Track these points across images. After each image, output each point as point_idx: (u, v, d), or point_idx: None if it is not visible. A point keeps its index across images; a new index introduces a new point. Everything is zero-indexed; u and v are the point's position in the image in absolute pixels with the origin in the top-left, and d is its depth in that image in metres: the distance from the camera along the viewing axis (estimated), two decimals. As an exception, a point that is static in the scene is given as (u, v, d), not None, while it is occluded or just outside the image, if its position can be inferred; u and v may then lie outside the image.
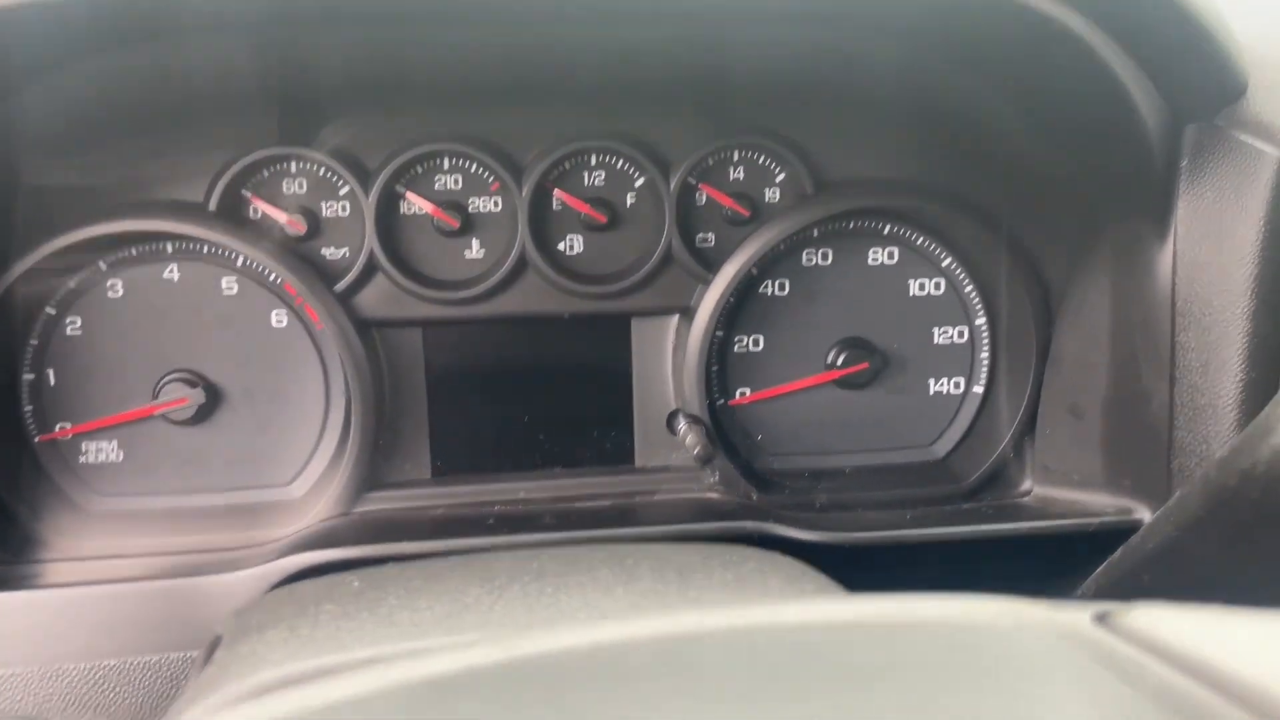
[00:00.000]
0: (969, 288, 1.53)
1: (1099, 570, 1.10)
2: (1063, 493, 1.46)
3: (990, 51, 1.30)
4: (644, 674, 0.55)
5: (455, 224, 1.40)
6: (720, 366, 1.52)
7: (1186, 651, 0.55)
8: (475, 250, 1.43)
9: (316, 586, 0.90)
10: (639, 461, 1.52)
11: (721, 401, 1.52)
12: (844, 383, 1.52)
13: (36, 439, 1.40)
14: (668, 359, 1.50)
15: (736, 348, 1.52)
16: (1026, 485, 1.53)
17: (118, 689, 1.19)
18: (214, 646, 0.89)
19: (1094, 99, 1.22)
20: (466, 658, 0.57)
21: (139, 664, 1.20)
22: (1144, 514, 1.32)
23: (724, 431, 1.52)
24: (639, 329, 1.49)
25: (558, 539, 1.27)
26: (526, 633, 0.59)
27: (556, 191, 1.42)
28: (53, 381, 1.39)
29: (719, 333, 1.48)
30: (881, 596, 0.63)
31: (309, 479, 1.46)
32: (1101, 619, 0.61)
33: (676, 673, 0.55)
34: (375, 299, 1.41)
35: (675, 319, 1.49)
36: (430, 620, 0.80)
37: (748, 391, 1.53)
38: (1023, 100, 1.35)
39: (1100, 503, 1.38)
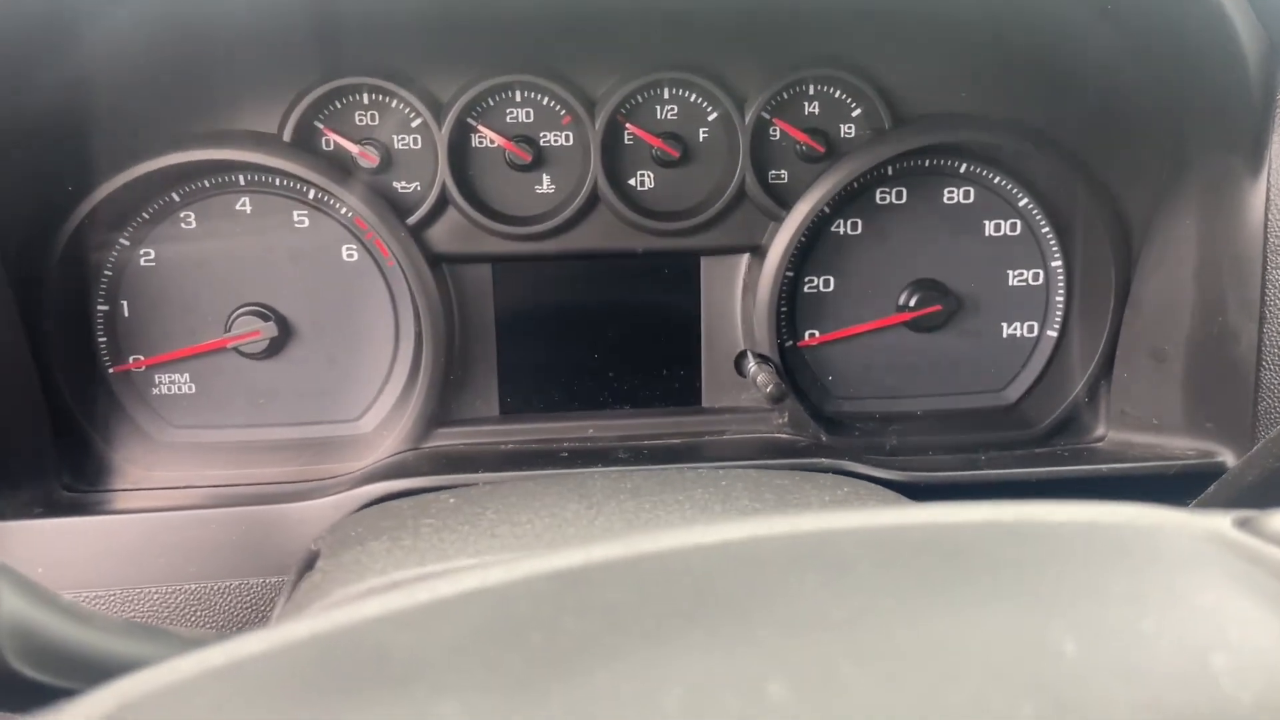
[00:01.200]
0: (1046, 229, 1.49)
1: (1193, 504, 1.08)
2: (1140, 437, 1.43)
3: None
4: (782, 566, 0.54)
5: (527, 158, 1.38)
6: (790, 307, 1.50)
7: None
8: (546, 185, 1.42)
9: (411, 503, 0.90)
10: (706, 402, 1.51)
11: (790, 343, 1.51)
12: (915, 325, 1.50)
13: (111, 370, 1.40)
14: (737, 299, 1.49)
15: (806, 288, 1.50)
16: (1100, 431, 1.50)
17: (198, 613, 1.20)
18: (311, 559, 0.89)
19: (1191, 24, 1.18)
20: (591, 553, 0.56)
21: (218, 588, 1.21)
22: (1227, 457, 1.30)
23: (792, 373, 1.50)
24: (708, 268, 1.48)
25: (633, 472, 1.26)
26: (651, 533, 0.59)
27: (629, 125, 1.40)
28: (126, 313, 1.40)
29: (789, 273, 1.46)
30: (1011, 502, 0.62)
31: (378, 414, 1.46)
32: (1244, 523, 0.59)
33: (815, 567, 0.54)
34: (446, 234, 1.40)
35: (745, 258, 1.47)
36: (531, 534, 0.80)
37: (817, 333, 1.51)
38: (1113, 26, 1.31)
39: (1180, 446, 1.36)
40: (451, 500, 0.89)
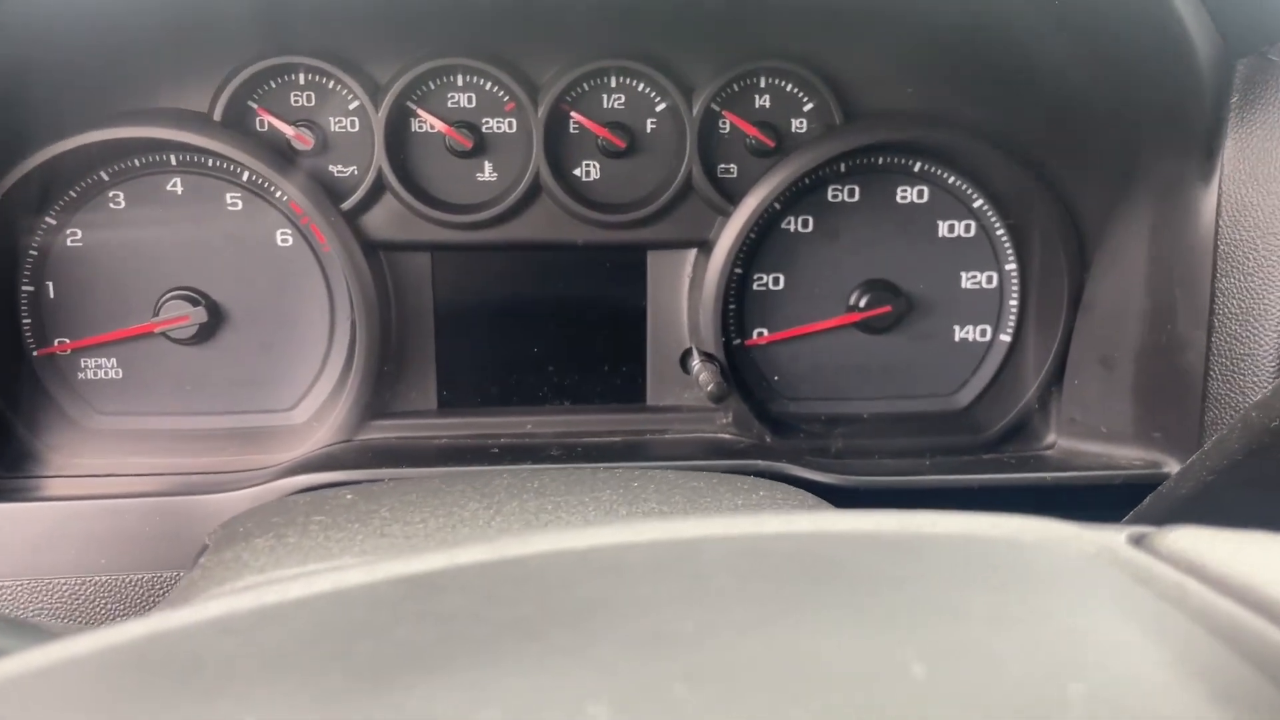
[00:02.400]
0: (1000, 231, 1.47)
1: (1127, 517, 1.05)
2: (1088, 445, 1.40)
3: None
4: (639, 576, 0.51)
5: (468, 144, 1.35)
6: (738, 305, 1.46)
7: (1227, 574, 0.50)
8: (488, 173, 1.38)
9: (309, 499, 0.87)
10: (650, 400, 1.48)
11: (738, 341, 1.47)
12: (866, 326, 1.47)
13: (35, 353, 1.36)
14: (683, 295, 1.45)
15: (755, 286, 1.46)
16: (1050, 439, 1.48)
17: (107, 605, 1.17)
18: (199, 555, 0.86)
19: (1146, 28, 1.15)
20: (433, 559, 0.53)
21: (130, 581, 1.17)
22: (1173, 467, 1.27)
23: (739, 372, 1.47)
24: (655, 262, 1.44)
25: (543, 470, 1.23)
26: (524, 536, 0.55)
27: (574, 114, 1.37)
28: (52, 294, 1.35)
29: (738, 269, 1.43)
30: (900, 512, 0.59)
31: (311, 405, 1.42)
32: (1137, 540, 0.56)
33: (672, 577, 0.51)
34: (383, 220, 1.37)
35: (693, 253, 1.44)
36: (422, 534, 0.76)
37: (765, 332, 1.48)
38: (1068, 29, 1.28)
39: (1128, 456, 1.33)
40: (349, 496, 0.85)
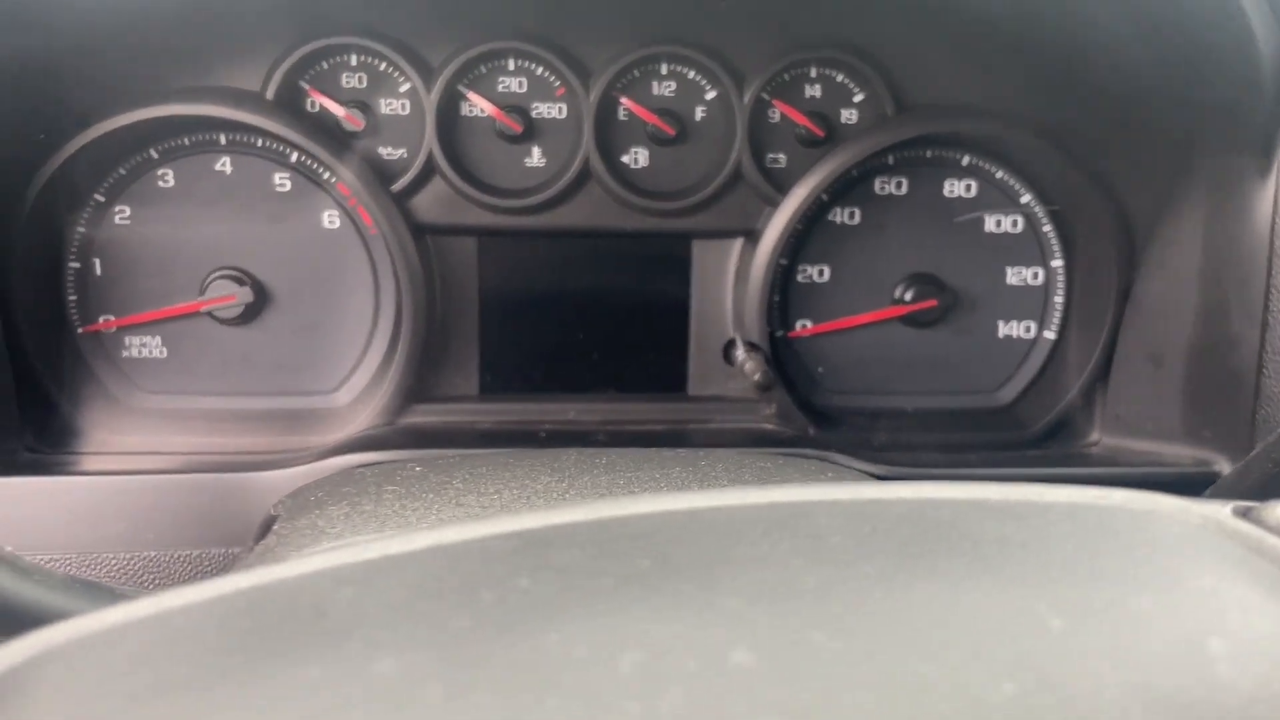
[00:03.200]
0: (1047, 227, 1.46)
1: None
2: (1134, 443, 1.39)
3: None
4: (752, 536, 0.50)
5: (518, 128, 1.34)
6: (782, 296, 1.46)
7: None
8: (536, 158, 1.38)
9: (377, 471, 0.86)
10: (692, 389, 1.47)
11: (781, 333, 1.47)
12: (910, 320, 1.46)
13: (80, 330, 1.36)
14: (728, 285, 1.45)
15: (800, 277, 1.46)
16: (1094, 436, 1.47)
17: (156, 581, 1.16)
18: (269, 524, 0.85)
19: (1206, 20, 1.15)
20: (550, 516, 0.53)
21: (179, 557, 1.17)
22: (1223, 466, 1.26)
23: (782, 364, 1.46)
24: (700, 251, 1.44)
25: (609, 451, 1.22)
26: (615, 500, 0.55)
27: (624, 100, 1.37)
28: (99, 271, 1.35)
29: (783, 260, 1.42)
30: (1000, 484, 0.59)
31: (354, 387, 1.42)
32: (1244, 512, 0.56)
33: (786, 537, 0.50)
34: (431, 203, 1.36)
35: (739, 243, 1.44)
36: (498, 505, 0.76)
37: (809, 324, 1.47)
38: (1127, 20, 1.27)
39: (1176, 453, 1.32)
40: (418, 469, 0.85)
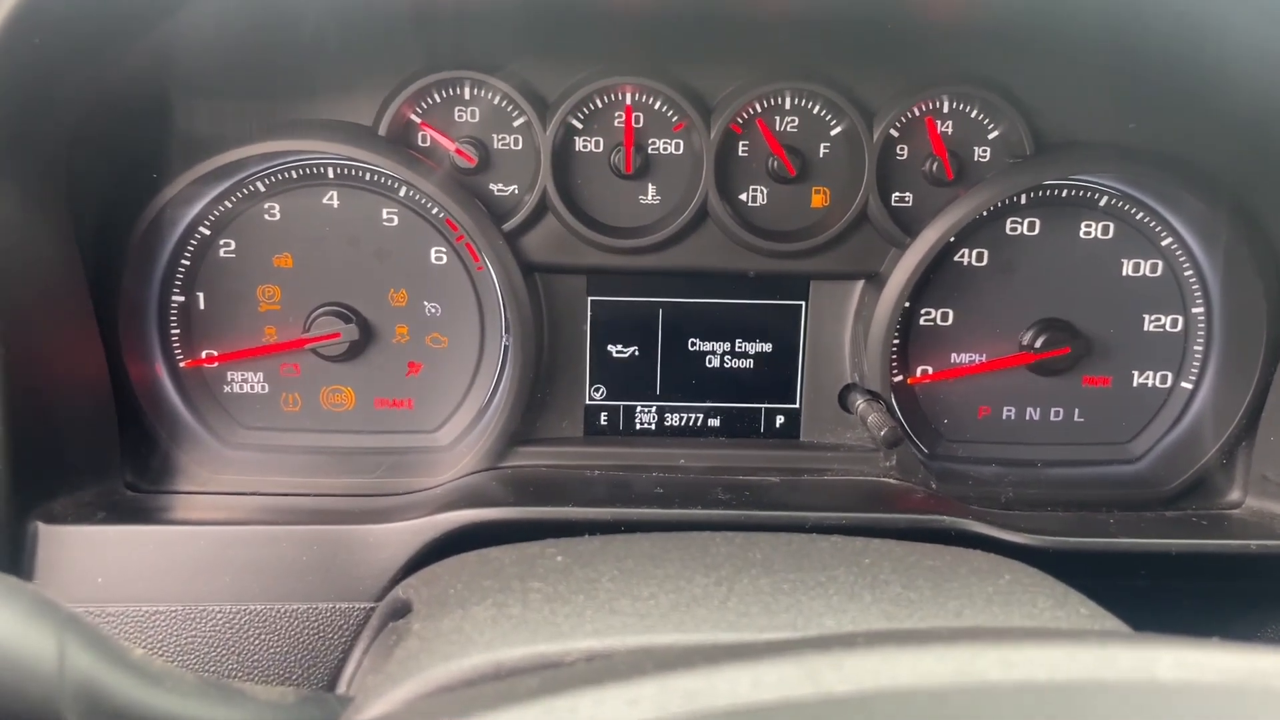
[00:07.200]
0: (1189, 271, 1.37)
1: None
2: (1283, 507, 1.30)
3: None
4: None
5: (632, 167, 1.28)
6: (902, 340, 1.39)
7: None
8: (651, 195, 1.32)
9: (514, 558, 0.81)
10: (805, 436, 1.41)
11: (900, 379, 1.40)
12: (1039, 367, 1.38)
13: (182, 364, 1.33)
14: (846, 328, 1.38)
15: (923, 320, 1.38)
16: (1234, 495, 1.38)
17: (263, 637, 1.13)
18: (398, 609, 0.81)
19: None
20: (756, 679, 0.47)
21: (285, 611, 1.13)
22: (1388, 539, 1.17)
23: (901, 411, 1.39)
24: (817, 293, 1.37)
25: (736, 518, 1.16)
26: (819, 659, 0.49)
27: (760, 125, 1.29)
28: (202, 305, 1.32)
29: (907, 304, 1.35)
30: (1221, 644, 0.52)
31: (456, 427, 1.37)
32: None
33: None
34: (542, 242, 1.31)
35: (859, 285, 1.36)
36: (656, 613, 0.70)
37: (930, 370, 1.40)
38: (1274, 52, 1.17)
39: (1332, 522, 1.23)
40: (559, 559, 0.79)
